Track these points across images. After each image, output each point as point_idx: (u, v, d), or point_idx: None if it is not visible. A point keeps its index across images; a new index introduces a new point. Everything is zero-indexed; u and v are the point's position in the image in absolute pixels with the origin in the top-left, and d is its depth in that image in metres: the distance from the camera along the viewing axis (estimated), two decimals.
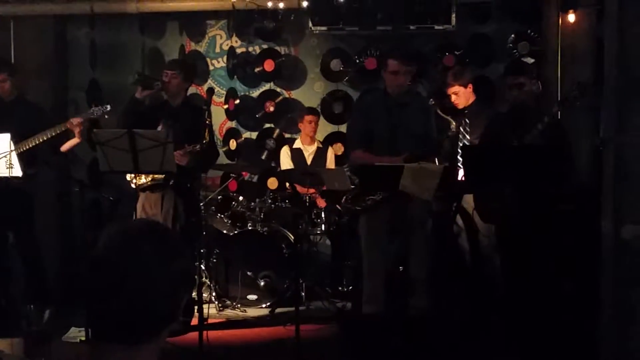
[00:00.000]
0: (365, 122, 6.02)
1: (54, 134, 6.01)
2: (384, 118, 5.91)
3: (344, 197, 6.50)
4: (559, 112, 5.58)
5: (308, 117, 7.69)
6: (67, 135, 6.13)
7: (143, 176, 5.86)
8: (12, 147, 5.78)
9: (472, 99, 6.36)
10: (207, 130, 5.35)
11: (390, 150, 5.78)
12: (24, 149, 5.98)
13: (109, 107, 6.10)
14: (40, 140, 6.00)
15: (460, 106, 6.36)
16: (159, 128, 5.84)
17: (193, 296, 6.31)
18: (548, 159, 4.97)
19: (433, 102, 6.15)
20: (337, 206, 7.15)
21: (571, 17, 7.24)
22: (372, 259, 5.93)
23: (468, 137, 6.19)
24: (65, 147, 6.26)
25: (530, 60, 7.48)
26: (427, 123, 6.02)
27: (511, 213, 5.22)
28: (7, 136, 5.78)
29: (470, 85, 6.34)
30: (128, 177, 5.91)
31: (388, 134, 5.86)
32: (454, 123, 6.11)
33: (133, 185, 5.86)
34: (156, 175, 5.85)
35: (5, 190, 5.98)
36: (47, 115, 6.51)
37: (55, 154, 6.32)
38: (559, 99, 5.15)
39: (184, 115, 5.94)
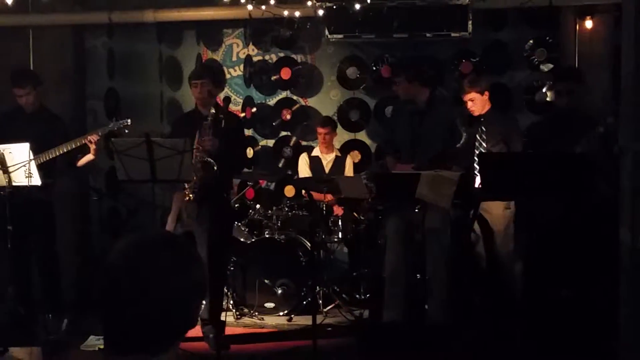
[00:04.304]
0: (391, 130, 6.04)
1: (72, 147, 6.02)
2: (406, 126, 5.91)
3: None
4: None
5: (319, 129, 7.68)
6: (84, 149, 6.12)
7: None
8: (32, 157, 5.81)
9: (488, 106, 6.32)
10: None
11: (413, 159, 5.76)
12: (44, 160, 5.99)
13: (129, 121, 6.04)
14: (59, 152, 6.01)
15: (476, 113, 6.31)
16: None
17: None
18: (571, 167, 4.88)
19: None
20: (355, 214, 7.14)
21: (588, 24, 7.22)
22: (394, 265, 5.91)
23: (484, 144, 6.17)
24: (80, 162, 6.26)
25: (549, 67, 7.45)
26: (450, 131, 5.95)
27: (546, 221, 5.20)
28: (26, 145, 5.81)
29: (487, 93, 6.31)
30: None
31: (410, 143, 5.85)
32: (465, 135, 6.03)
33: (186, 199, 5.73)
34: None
35: (26, 201, 6.00)
36: (66, 127, 6.53)
37: (71, 166, 6.32)
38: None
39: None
